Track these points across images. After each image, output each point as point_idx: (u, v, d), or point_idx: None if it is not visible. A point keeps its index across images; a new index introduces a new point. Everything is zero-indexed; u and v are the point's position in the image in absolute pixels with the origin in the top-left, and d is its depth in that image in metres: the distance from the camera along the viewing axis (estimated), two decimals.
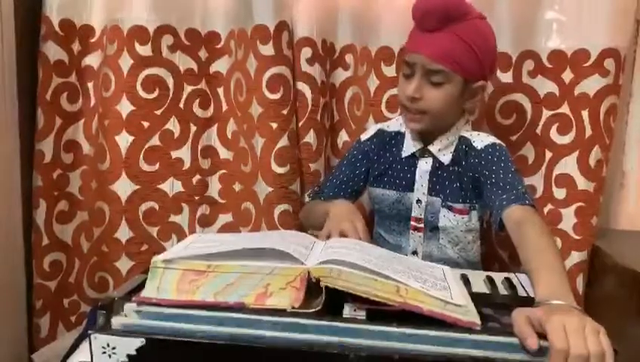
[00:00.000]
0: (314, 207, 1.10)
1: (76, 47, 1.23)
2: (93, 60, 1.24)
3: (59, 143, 1.24)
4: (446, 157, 1.02)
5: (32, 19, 1.19)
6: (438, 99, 0.96)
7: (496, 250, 1.23)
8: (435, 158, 1.03)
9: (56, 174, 1.24)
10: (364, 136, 1.12)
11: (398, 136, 1.08)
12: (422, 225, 1.05)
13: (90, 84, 1.25)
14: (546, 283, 0.68)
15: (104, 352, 0.59)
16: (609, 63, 1.11)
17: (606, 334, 0.57)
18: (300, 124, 1.22)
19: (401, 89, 1.00)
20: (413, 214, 1.05)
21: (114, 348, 0.59)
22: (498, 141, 1.01)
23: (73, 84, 1.24)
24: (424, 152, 1.04)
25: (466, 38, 0.93)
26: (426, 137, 1.04)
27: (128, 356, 0.59)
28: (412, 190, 1.05)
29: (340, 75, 1.28)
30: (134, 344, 0.59)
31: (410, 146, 1.05)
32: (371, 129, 1.12)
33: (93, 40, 1.23)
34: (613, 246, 1.17)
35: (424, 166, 1.04)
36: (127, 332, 0.60)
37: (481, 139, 1.01)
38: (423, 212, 1.05)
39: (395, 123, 1.10)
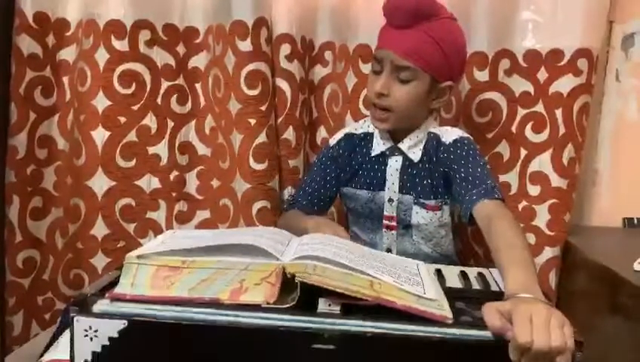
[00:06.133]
0: (291, 223, 1.06)
1: (51, 40, 1.21)
2: (68, 54, 1.22)
3: (33, 138, 1.21)
4: (416, 155, 1.03)
5: (5, 11, 1.16)
6: (405, 96, 0.97)
7: (472, 246, 1.24)
8: (404, 156, 1.04)
9: (30, 170, 1.22)
10: (332, 141, 1.12)
11: (367, 137, 1.08)
12: (394, 223, 1.06)
13: (65, 79, 1.23)
14: (514, 277, 0.69)
15: (86, 335, 0.59)
16: (582, 63, 1.14)
17: (571, 326, 0.58)
18: (279, 120, 1.22)
19: (370, 85, 1.01)
20: (385, 213, 1.06)
21: (96, 331, 0.59)
22: (465, 135, 1.02)
23: (48, 78, 1.22)
24: (394, 150, 1.05)
25: (434, 36, 0.94)
26: (395, 135, 1.05)
27: (110, 339, 0.59)
28: (384, 189, 1.05)
29: (319, 72, 1.28)
30: (117, 326, 0.59)
31: (379, 145, 1.06)
32: (339, 133, 1.12)
33: (68, 34, 1.21)
34: (585, 243, 1.19)
35: (394, 164, 1.05)
36: (110, 314, 0.60)
37: (449, 134, 1.02)
38: (394, 210, 1.05)
39: (363, 125, 1.11)
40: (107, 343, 0.59)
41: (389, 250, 1.08)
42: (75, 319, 0.59)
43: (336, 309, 0.62)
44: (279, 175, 1.24)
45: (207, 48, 1.24)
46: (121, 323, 0.59)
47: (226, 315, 0.59)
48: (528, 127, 1.20)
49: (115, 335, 0.59)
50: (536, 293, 0.64)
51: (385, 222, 1.07)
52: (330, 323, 0.59)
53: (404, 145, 1.03)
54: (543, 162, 1.19)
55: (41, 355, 0.81)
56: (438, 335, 0.59)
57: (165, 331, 0.59)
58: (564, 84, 1.15)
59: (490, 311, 0.60)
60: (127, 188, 1.22)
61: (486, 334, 0.59)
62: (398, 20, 0.95)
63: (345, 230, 0.94)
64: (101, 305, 0.61)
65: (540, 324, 0.57)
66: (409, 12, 0.94)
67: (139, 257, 0.64)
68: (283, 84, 1.20)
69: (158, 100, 1.23)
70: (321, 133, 1.30)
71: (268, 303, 0.61)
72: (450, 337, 0.59)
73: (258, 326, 0.59)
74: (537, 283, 0.68)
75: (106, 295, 0.62)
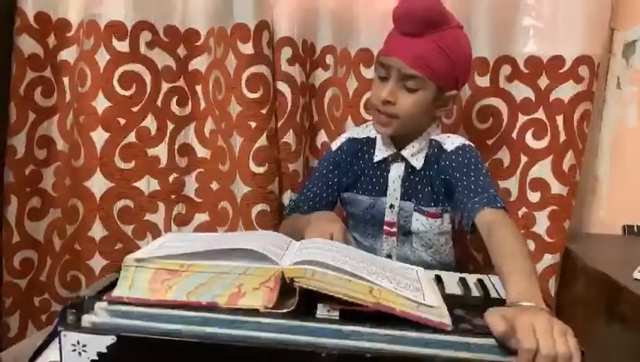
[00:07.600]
0: (295, 221, 1.06)
1: (52, 41, 1.20)
2: (69, 55, 1.22)
3: (32, 139, 1.21)
4: (418, 162, 1.02)
5: (6, 11, 1.16)
6: (411, 104, 0.96)
7: (470, 252, 1.24)
8: (407, 163, 1.03)
9: (28, 170, 1.21)
10: (334, 146, 1.11)
11: (369, 142, 1.08)
12: (395, 230, 1.06)
13: (65, 79, 1.23)
14: (516, 285, 0.69)
15: (74, 350, 0.59)
16: (583, 70, 1.14)
17: (573, 335, 0.58)
18: (279, 123, 1.22)
19: (375, 91, 0.99)
20: (386, 219, 1.06)
21: (84, 346, 0.59)
22: (468, 142, 1.02)
23: (48, 79, 1.21)
24: (396, 157, 1.04)
25: (444, 46, 0.94)
26: (397, 142, 1.04)
27: (99, 354, 0.59)
28: (385, 195, 1.05)
29: (320, 76, 1.28)
30: (105, 341, 0.58)
31: (382, 151, 1.05)
32: (341, 138, 1.11)
33: (69, 34, 1.21)
34: (585, 250, 1.19)
35: (396, 171, 1.04)
36: (99, 329, 0.59)
37: (452, 141, 1.02)
38: (395, 216, 1.05)
39: (365, 129, 1.10)
40: (96, 358, 0.58)
41: (389, 256, 1.07)
42: (62, 334, 0.58)
43: (335, 315, 0.61)
44: (279, 178, 1.23)
45: (208, 50, 1.23)
46: (110, 339, 0.58)
47: (219, 326, 0.59)
48: (529, 133, 1.20)
49: (104, 350, 0.58)
50: (538, 302, 0.64)
51: (385, 228, 1.06)
52: (328, 331, 0.58)
53: (406, 152, 1.03)
54: (543, 169, 1.18)
55: (35, 357, 0.81)
56: (438, 355, 0.58)
57: (154, 345, 0.59)
58: (565, 91, 1.15)
59: (494, 317, 0.59)
60: (125, 189, 1.21)
61: (486, 341, 0.58)
62: (408, 28, 0.94)
63: (342, 227, 0.91)
64: (98, 310, 0.60)
65: (543, 331, 0.57)
66: (419, 19, 0.93)
67: (137, 260, 0.64)
68: (284, 88, 1.20)
69: (158, 102, 1.22)
70: (322, 137, 1.30)
71: (266, 308, 0.60)
72: (451, 358, 0.58)
73: (253, 344, 0.58)
74: (539, 292, 0.67)
75: (104, 297, 0.62)
